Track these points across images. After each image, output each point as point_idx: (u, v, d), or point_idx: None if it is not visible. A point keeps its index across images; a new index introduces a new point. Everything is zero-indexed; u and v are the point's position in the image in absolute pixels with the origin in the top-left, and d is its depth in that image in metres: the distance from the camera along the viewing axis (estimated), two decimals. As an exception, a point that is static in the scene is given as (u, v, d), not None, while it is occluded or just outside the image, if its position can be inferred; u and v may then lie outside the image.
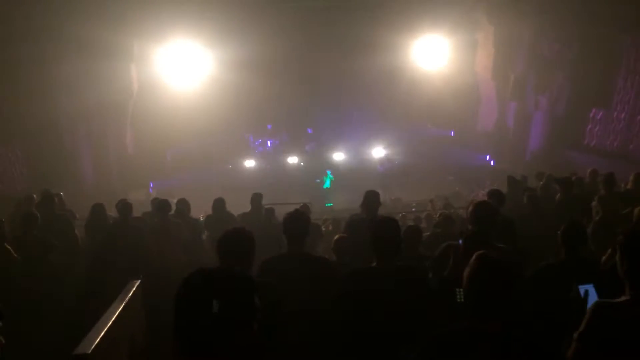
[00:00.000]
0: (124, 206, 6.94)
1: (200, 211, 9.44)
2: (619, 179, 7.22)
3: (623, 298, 2.39)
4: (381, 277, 3.11)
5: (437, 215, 7.05)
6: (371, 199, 5.39)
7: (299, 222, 3.59)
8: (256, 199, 7.64)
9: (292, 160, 19.60)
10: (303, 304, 3.06)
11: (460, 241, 3.41)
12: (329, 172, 19.24)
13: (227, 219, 7.29)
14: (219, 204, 7.57)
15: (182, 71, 17.79)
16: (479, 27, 18.27)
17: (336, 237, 5.28)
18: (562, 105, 16.07)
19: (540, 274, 3.65)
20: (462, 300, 2.73)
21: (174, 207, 7.26)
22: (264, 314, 1.63)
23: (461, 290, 2.77)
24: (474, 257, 2.28)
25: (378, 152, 19.37)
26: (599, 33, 13.72)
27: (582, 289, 2.69)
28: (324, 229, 8.94)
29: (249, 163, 19.23)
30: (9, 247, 5.57)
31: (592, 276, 3.03)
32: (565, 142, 15.85)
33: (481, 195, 11.53)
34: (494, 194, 5.55)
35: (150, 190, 16.57)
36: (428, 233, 6.60)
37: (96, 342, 3.43)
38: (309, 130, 20.71)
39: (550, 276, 3.56)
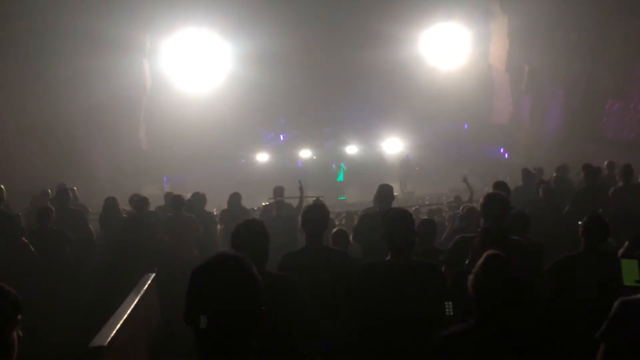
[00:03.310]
0: (140, 201, 7.00)
1: (213, 205, 9.47)
2: (636, 170, 7.11)
3: None
4: (395, 272, 3.07)
5: (460, 209, 6.93)
6: (385, 192, 5.36)
7: (317, 216, 3.61)
8: (278, 191, 7.73)
9: (305, 154, 19.61)
10: (323, 297, 3.07)
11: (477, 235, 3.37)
12: (342, 164, 19.23)
13: (243, 213, 7.33)
14: (234, 198, 7.61)
15: (194, 66, 17.83)
16: (492, 17, 18.05)
17: (334, 230, 5.32)
18: (578, 97, 15.84)
19: (559, 265, 3.62)
20: (451, 314, 2.70)
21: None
22: (284, 309, 1.61)
23: (450, 303, 2.74)
24: (481, 259, 2.21)
25: (392, 148, 19.25)
26: (615, 23, 13.48)
27: None
28: (337, 222, 8.95)
29: (262, 157, 19.26)
30: (26, 240, 5.65)
31: (611, 268, 2.98)
32: (581, 134, 15.62)
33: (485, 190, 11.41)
34: (500, 185, 5.47)
35: (164, 185, 16.66)
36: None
37: (112, 334, 3.47)
38: (328, 130, 20.63)
39: (569, 268, 3.53)
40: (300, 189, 7.55)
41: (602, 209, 5.94)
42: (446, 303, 2.70)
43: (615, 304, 2.31)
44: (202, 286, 1.49)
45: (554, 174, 8.50)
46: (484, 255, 2.23)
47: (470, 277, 2.20)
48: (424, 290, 2.98)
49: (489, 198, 3.77)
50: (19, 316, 1.78)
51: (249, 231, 2.85)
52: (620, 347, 2.24)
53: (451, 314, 2.18)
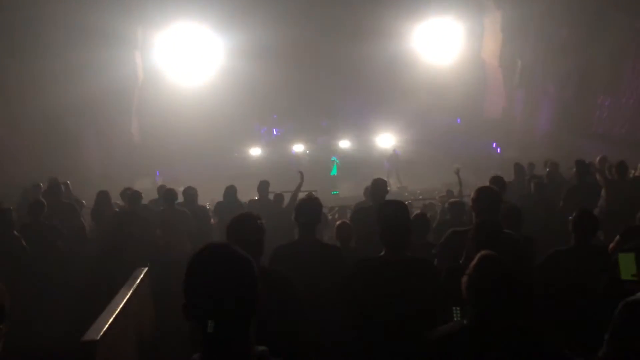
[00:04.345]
0: (133, 195, 6.96)
1: (206, 199, 9.45)
2: (629, 166, 7.18)
3: None
4: (389, 268, 3.06)
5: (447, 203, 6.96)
6: (378, 187, 5.35)
7: (311, 209, 3.63)
8: (263, 186, 7.68)
9: (298, 148, 19.60)
10: (315, 290, 3.07)
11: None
12: (334, 158, 19.24)
13: (237, 206, 7.33)
14: (230, 191, 7.62)
15: (187, 59, 17.72)
16: (486, 12, 18.07)
17: (338, 223, 5.28)
18: (570, 92, 15.91)
19: (550, 260, 3.64)
20: (459, 319, 2.69)
21: (180, 195, 7.29)
22: (277, 304, 1.62)
23: (458, 308, 2.73)
24: (475, 261, 2.22)
25: (385, 142, 19.25)
26: (607, 18, 13.53)
27: None
28: (330, 217, 8.97)
29: (255, 151, 19.24)
30: (17, 234, 5.61)
31: (602, 263, 3.00)
32: (573, 129, 15.70)
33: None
34: (496, 180, 5.49)
35: (157, 179, 16.60)
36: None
37: (104, 328, 3.46)
38: (323, 123, 20.60)
39: (560, 263, 3.55)
40: (300, 180, 7.43)
41: (594, 204, 6.00)
42: (454, 309, 2.70)
43: (620, 306, 2.30)
44: (199, 276, 1.50)
45: (547, 169, 8.55)
46: (478, 256, 2.23)
47: (464, 278, 2.21)
48: (418, 286, 2.98)
49: (480, 192, 3.77)
50: (2, 325, 1.73)
51: (244, 224, 2.84)
52: (628, 349, 2.24)
53: (459, 318, 2.16)
